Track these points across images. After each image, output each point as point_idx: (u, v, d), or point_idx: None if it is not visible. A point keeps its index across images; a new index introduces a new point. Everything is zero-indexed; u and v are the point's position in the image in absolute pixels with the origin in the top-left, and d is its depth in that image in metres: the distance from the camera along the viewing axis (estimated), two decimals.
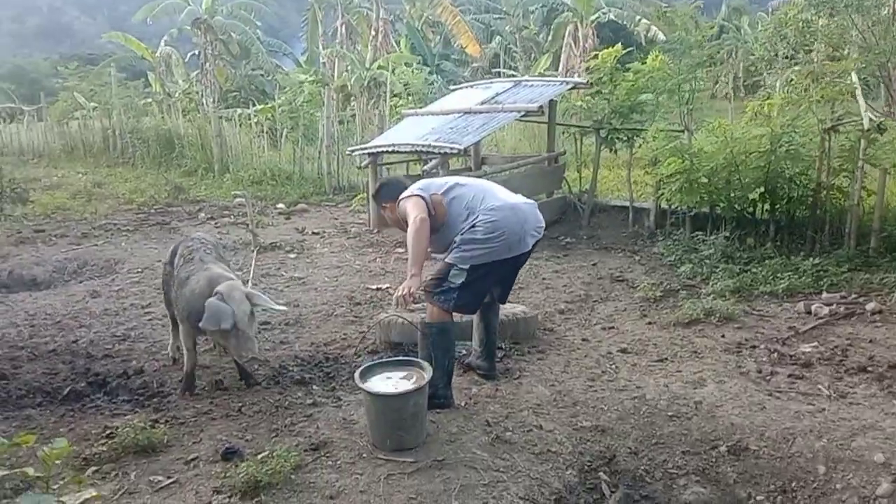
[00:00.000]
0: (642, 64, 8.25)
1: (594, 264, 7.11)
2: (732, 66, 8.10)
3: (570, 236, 8.43)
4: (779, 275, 6.06)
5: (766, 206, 7.21)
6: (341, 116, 14.56)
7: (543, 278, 6.72)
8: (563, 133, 9.68)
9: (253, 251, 8.02)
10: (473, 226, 3.80)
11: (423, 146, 7.89)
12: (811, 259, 6.33)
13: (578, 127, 9.21)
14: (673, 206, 7.88)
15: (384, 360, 4.00)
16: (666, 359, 4.54)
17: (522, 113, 8.15)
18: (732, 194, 7.24)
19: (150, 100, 19.81)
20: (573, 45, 25.33)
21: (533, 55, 29.62)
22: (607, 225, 8.55)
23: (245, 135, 14.61)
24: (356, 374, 3.60)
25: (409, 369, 3.69)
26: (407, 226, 3.82)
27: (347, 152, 9.45)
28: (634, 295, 5.90)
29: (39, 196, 11.56)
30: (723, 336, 4.91)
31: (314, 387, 4.29)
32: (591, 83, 8.50)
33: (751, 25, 28.47)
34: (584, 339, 4.94)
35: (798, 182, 6.95)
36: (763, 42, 10.07)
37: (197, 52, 27.43)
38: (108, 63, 25.76)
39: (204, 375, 4.53)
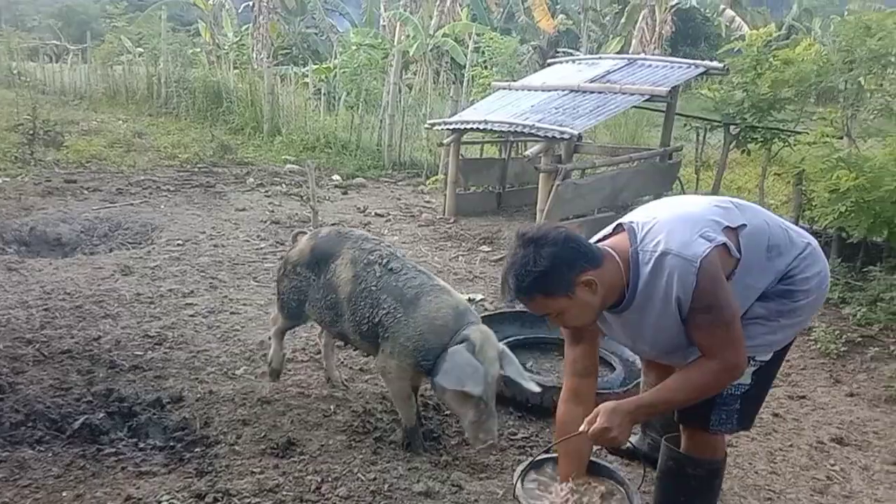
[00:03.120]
0: (792, 52, 6.84)
1: None
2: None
3: None
4: None
5: None
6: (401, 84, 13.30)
7: None
8: (685, 125, 8.31)
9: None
10: (789, 276, 2.25)
11: (526, 126, 6.59)
12: None
13: (705, 120, 7.83)
14: (824, 227, 6.51)
15: (549, 455, 2.63)
16: None
17: (646, 97, 6.81)
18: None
19: (199, 49, 18.64)
20: (646, 30, 23.65)
21: (600, 38, 27.92)
22: None
23: (299, 95, 13.40)
24: (517, 476, 2.37)
25: (602, 481, 2.44)
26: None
27: (427, 125, 8.19)
28: (809, 345, 4.59)
29: (75, 141, 10.45)
30: None
31: (420, 460, 3.06)
32: (728, 69, 7.12)
33: (822, 28, 26.52)
34: (774, 415, 3.66)
35: None
36: None
37: (251, 4, 26.14)
38: (158, 7, 24.59)
39: (271, 426, 3.33)
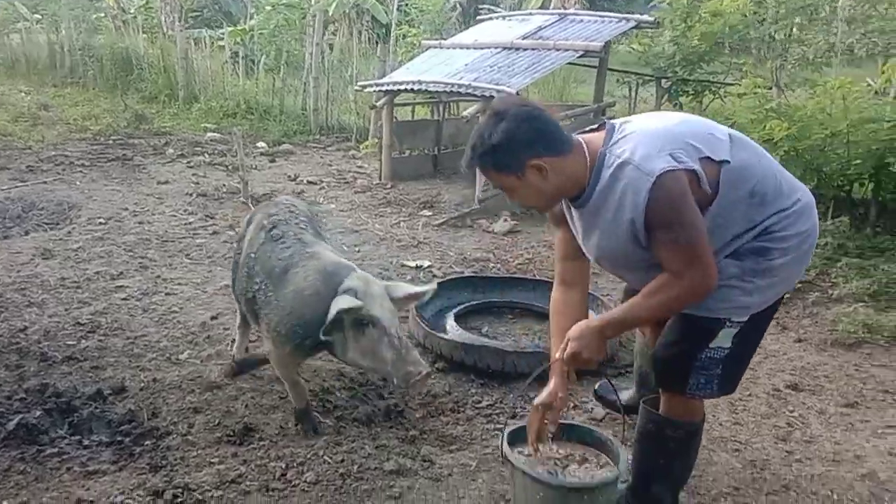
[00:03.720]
0: (720, 4, 6.88)
1: None
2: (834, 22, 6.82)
3: None
4: None
5: (871, 186, 6.03)
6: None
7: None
8: (617, 80, 8.30)
9: (247, 203, 6.54)
10: (767, 232, 2.10)
11: (461, 86, 6.43)
12: None
13: (637, 74, 7.83)
14: None
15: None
16: (856, 403, 3.35)
17: (580, 53, 6.73)
18: (827, 168, 6.04)
19: (102, 14, 17.55)
20: None
21: None
22: None
23: (215, 60, 12.80)
24: (504, 439, 2.29)
25: (585, 448, 2.39)
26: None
27: (357, 87, 7.92)
28: None
29: None
30: None
31: (387, 436, 2.95)
32: (659, 23, 7.12)
33: None
34: None
35: None
36: None
37: None
38: None
39: (224, 412, 3.15)
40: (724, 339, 2.17)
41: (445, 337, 3.62)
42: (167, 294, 4.46)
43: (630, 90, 7.89)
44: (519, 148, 2.03)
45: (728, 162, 2.06)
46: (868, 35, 8.80)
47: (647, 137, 2.06)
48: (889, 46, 9.16)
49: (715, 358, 2.19)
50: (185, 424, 3.02)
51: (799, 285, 4.85)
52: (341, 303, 2.55)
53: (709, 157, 2.05)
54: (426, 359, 3.60)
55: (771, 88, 6.42)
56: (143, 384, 3.33)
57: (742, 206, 2.08)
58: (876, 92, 6.45)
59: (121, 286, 4.55)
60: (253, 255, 2.96)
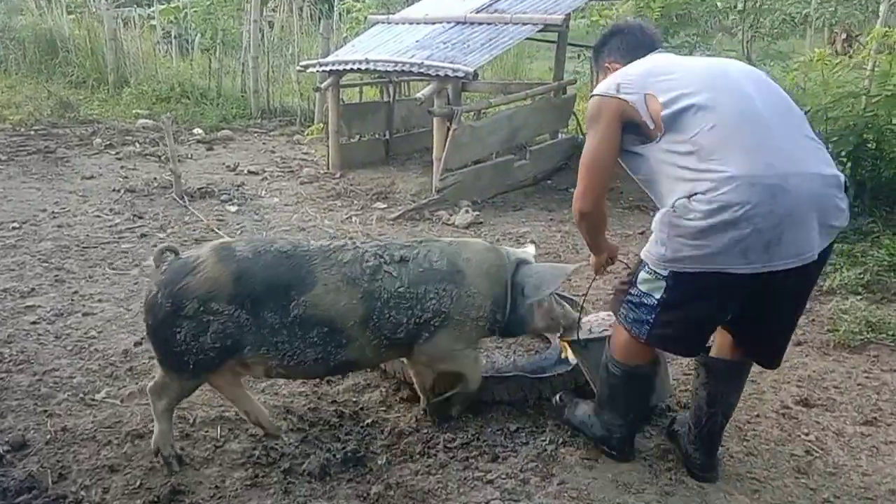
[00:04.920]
0: None
1: (641, 233, 5.46)
2: None
3: None
4: None
5: (850, 164, 5.71)
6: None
7: (578, 248, 5.03)
8: (577, 56, 7.83)
9: (180, 200, 5.92)
10: (692, 195, 2.11)
11: (414, 65, 5.89)
12: None
13: None
14: None
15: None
16: (875, 419, 2.98)
17: (539, 27, 6.25)
18: None
19: None
20: None
21: None
22: (625, 175, 6.84)
23: (146, 40, 11.94)
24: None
25: None
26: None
27: (299, 67, 7.30)
28: None
29: None
30: None
31: (345, 494, 2.45)
32: None
33: None
34: None
35: None
36: None
37: None
38: None
39: (147, 470, 2.62)
40: (648, 286, 2.28)
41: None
42: (85, 314, 3.87)
43: (591, 68, 7.41)
44: (604, 51, 2.60)
45: (668, 103, 2.18)
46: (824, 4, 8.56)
47: (628, 66, 2.37)
48: (845, 16, 8.95)
49: (645, 304, 2.30)
50: (99, 489, 2.48)
51: None
52: (569, 268, 2.87)
53: (651, 94, 2.21)
54: (388, 384, 3.15)
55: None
56: (49, 436, 2.77)
57: (682, 152, 2.15)
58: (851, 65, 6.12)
59: (31, 306, 3.94)
60: (404, 289, 2.54)
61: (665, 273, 2.22)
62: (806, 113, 5.25)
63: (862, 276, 4.38)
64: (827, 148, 2.28)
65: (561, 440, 2.75)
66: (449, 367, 2.73)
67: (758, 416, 2.98)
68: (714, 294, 2.21)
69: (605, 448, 2.64)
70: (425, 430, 2.83)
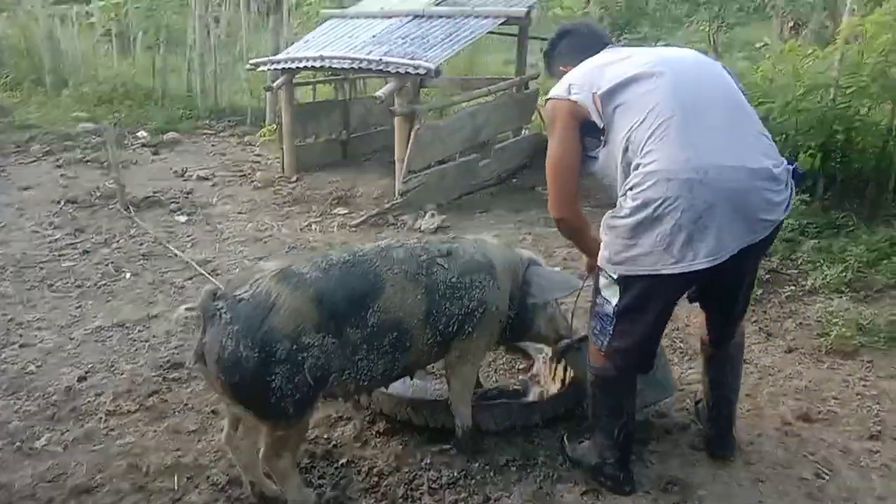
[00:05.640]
0: None
1: None
2: None
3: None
4: (887, 254, 4.50)
5: (819, 157, 5.61)
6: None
7: (550, 251, 4.82)
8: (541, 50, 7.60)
9: (126, 211, 5.54)
10: (624, 192, 2.14)
11: (372, 62, 5.61)
12: (888, 227, 4.86)
13: None
14: None
15: None
16: (879, 433, 2.82)
17: (503, 20, 6.01)
18: (775, 139, 5.58)
19: None
20: None
21: None
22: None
23: (85, 39, 11.37)
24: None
25: None
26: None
27: (249, 65, 6.93)
28: None
29: None
30: None
31: None
32: None
33: None
34: None
35: (872, 127, 5.37)
36: None
37: None
38: None
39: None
40: (607, 292, 2.25)
41: (385, 392, 2.86)
42: (22, 346, 3.51)
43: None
44: (554, 56, 2.55)
45: (605, 97, 2.16)
46: None
47: (579, 66, 2.32)
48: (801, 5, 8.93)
49: (606, 313, 2.27)
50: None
51: (766, 275, 4.38)
52: (580, 283, 2.78)
53: (595, 91, 2.18)
54: (361, 416, 2.89)
55: (707, 53, 5.88)
56: None
57: (619, 149, 2.13)
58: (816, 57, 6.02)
59: None
60: (454, 280, 2.47)
61: (615, 276, 2.21)
62: (779, 105, 5.20)
63: (844, 273, 4.26)
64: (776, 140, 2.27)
65: (556, 475, 2.53)
66: (459, 372, 2.63)
67: (759, 435, 2.80)
68: (656, 296, 2.20)
69: (600, 480, 2.47)
70: (406, 469, 2.58)
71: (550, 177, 2.30)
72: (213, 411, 2.94)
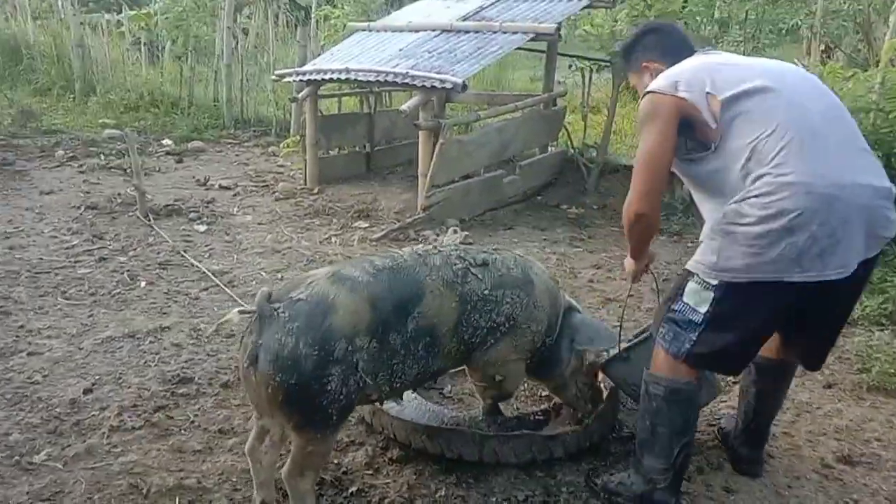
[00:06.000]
0: None
1: None
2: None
3: (576, 205, 6.41)
4: None
5: None
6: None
7: (576, 272, 4.66)
8: (570, 66, 7.50)
9: (145, 218, 5.48)
10: (745, 199, 2.09)
11: (398, 75, 5.51)
12: None
13: (591, 60, 7.03)
14: None
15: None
16: None
17: (531, 36, 5.89)
18: None
19: None
20: None
21: None
22: (621, 192, 6.47)
23: (115, 47, 11.45)
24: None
25: None
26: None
27: (275, 76, 6.87)
28: None
29: None
30: None
31: None
32: (616, 1, 6.34)
33: None
34: None
35: None
36: None
37: None
38: None
39: None
40: (695, 299, 2.21)
41: (398, 415, 2.73)
42: (30, 354, 3.42)
43: (583, 77, 7.09)
44: (639, 51, 2.49)
45: (728, 103, 2.12)
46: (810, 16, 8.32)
47: (681, 64, 2.27)
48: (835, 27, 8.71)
49: (689, 319, 2.22)
50: None
51: None
52: (615, 335, 2.77)
53: (712, 93, 2.15)
54: (375, 442, 2.75)
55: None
56: None
57: (740, 156, 2.10)
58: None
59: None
60: (487, 292, 2.45)
61: (715, 283, 2.15)
62: None
63: (885, 305, 4.07)
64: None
65: None
66: (497, 374, 2.61)
67: (798, 478, 2.62)
68: (763, 305, 2.15)
69: None
70: (419, 501, 2.44)
71: (642, 171, 2.22)
72: (219, 430, 2.82)
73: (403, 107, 5.44)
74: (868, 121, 5.24)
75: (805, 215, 2.00)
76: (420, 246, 2.64)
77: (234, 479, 2.51)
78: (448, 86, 5.23)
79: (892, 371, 3.30)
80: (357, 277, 2.20)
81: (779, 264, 2.04)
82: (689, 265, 2.24)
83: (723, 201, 2.15)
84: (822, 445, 2.84)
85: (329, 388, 2.06)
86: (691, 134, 2.19)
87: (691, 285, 2.21)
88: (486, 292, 2.43)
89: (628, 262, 2.62)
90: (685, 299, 2.22)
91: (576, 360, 2.73)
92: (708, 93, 2.14)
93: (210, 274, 4.47)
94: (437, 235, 5.29)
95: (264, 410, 2.17)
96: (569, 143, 7.04)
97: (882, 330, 3.84)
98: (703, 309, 2.17)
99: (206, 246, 5.07)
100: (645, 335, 2.61)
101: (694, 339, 2.20)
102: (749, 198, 2.07)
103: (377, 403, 2.62)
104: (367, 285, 2.19)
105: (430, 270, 2.35)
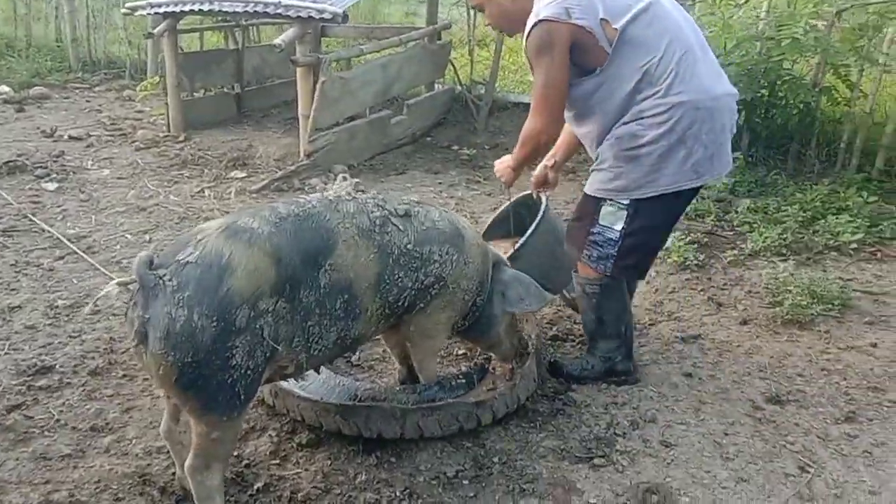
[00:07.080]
0: None
1: None
2: None
3: (466, 145, 6.14)
4: (821, 214, 4.38)
5: (743, 112, 5.43)
6: None
7: (476, 217, 4.43)
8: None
9: None
10: (635, 119, 2.33)
11: (269, 5, 4.96)
12: (815, 184, 4.82)
13: None
14: None
15: None
16: (852, 414, 2.59)
17: None
18: None
19: None
20: None
21: None
22: (511, 129, 6.27)
23: None
24: None
25: None
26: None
27: (125, 9, 6.08)
28: (664, 258, 3.84)
29: None
30: (874, 345, 3.07)
31: None
32: None
33: None
34: (686, 374, 2.81)
35: (797, 81, 5.21)
36: None
37: None
38: None
39: None
40: (609, 219, 2.45)
41: (306, 395, 2.39)
42: None
43: (468, 11, 6.74)
44: None
45: (623, 29, 2.24)
46: None
47: None
48: None
49: (607, 238, 2.47)
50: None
51: (704, 237, 4.17)
52: (550, 297, 2.71)
53: (606, 19, 2.24)
54: (279, 426, 2.42)
55: None
56: None
57: (630, 80, 2.28)
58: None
59: None
60: (411, 246, 2.14)
61: (626, 202, 2.41)
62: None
63: (783, 235, 4.08)
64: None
65: (516, 487, 2.15)
66: (420, 345, 2.42)
67: (733, 423, 2.51)
68: (670, 213, 2.49)
69: (615, 379, 2.68)
70: (338, 490, 2.13)
71: (543, 100, 2.33)
72: (91, 428, 2.39)
73: (277, 41, 4.91)
74: (754, 50, 5.24)
75: (696, 127, 2.27)
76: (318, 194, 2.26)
77: (115, 487, 2.11)
78: (327, 16, 4.78)
79: (805, 303, 3.27)
80: (256, 229, 1.85)
81: (678, 175, 2.34)
82: (598, 192, 2.46)
83: (605, 122, 2.37)
84: (749, 386, 2.75)
85: (233, 363, 1.75)
86: (578, 59, 2.28)
87: (606, 209, 2.44)
88: (409, 247, 2.13)
89: (506, 170, 2.66)
90: (602, 222, 2.47)
91: (507, 316, 2.52)
92: (602, 19, 2.23)
93: (65, 240, 3.89)
94: (326, 184, 4.88)
95: (166, 392, 1.83)
96: (456, 79, 6.71)
97: (784, 260, 3.84)
98: (619, 226, 2.44)
99: (59, 207, 4.43)
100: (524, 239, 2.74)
101: (614, 253, 2.47)
102: (642, 118, 2.30)
103: (292, 379, 2.25)
104: (269, 237, 1.85)
105: (343, 217, 2.03)
